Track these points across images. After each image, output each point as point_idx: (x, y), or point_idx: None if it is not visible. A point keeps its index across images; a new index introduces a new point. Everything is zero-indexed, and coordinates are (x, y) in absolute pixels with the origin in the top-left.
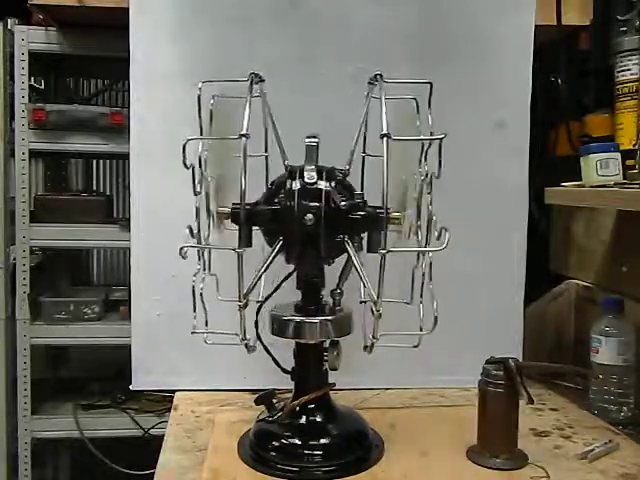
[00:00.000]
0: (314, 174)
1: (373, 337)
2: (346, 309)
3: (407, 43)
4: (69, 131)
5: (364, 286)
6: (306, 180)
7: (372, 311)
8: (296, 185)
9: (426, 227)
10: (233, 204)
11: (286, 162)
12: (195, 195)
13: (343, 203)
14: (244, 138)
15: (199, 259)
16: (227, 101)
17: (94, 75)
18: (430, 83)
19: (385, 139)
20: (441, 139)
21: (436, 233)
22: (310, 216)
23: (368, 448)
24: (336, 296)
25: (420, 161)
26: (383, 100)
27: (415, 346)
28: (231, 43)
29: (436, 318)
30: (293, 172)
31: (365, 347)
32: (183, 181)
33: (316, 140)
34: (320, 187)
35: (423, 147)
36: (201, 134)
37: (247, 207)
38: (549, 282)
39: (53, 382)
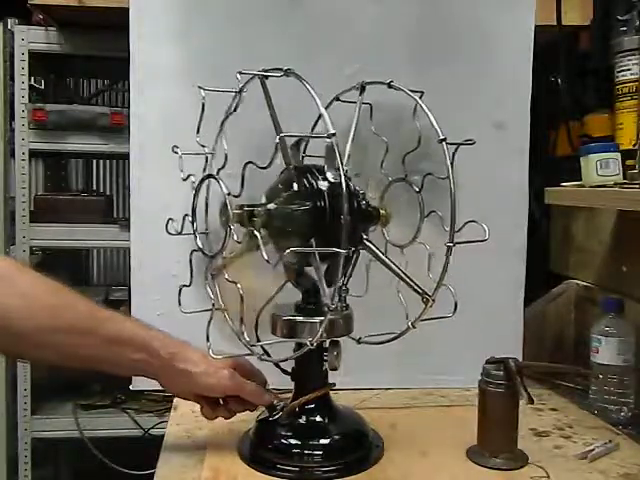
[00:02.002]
0: (335, 174)
1: (413, 326)
2: (348, 308)
3: (407, 43)
4: (69, 131)
5: (402, 279)
6: (331, 180)
7: (423, 301)
8: (323, 185)
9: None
10: (241, 206)
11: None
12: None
13: (363, 202)
14: (334, 138)
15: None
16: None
17: (94, 75)
18: (422, 92)
19: (444, 143)
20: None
21: (447, 228)
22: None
23: (368, 448)
24: (342, 293)
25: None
26: (426, 109)
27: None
28: (231, 43)
29: (456, 303)
30: (312, 172)
31: (358, 340)
32: (183, 181)
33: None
34: (347, 187)
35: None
36: (197, 131)
37: (267, 209)
38: (549, 282)
39: (53, 382)
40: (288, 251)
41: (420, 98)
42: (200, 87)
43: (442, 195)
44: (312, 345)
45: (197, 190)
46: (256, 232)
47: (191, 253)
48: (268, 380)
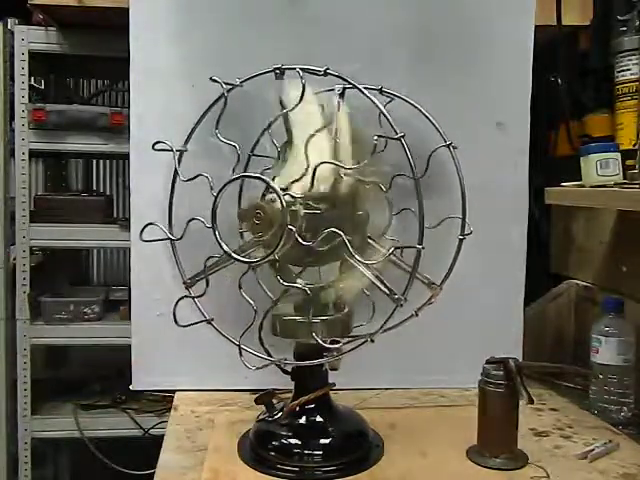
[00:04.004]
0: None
1: (416, 314)
2: (348, 308)
3: (407, 44)
4: (69, 131)
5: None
6: None
7: (431, 289)
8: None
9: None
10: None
11: None
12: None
13: None
14: (402, 139)
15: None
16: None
17: (94, 75)
18: (393, 96)
19: (451, 148)
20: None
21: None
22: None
23: (368, 448)
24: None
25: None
26: (427, 114)
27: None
28: (231, 43)
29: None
30: None
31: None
32: (184, 181)
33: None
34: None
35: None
36: (216, 126)
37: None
38: (549, 282)
39: (53, 382)
40: (392, 249)
41: (390, 101)
42: (213, 79)
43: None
44: (372, 341)
45: (219, 191)
46: (339, 232)
47: (207, 259)
48: (268, 380)
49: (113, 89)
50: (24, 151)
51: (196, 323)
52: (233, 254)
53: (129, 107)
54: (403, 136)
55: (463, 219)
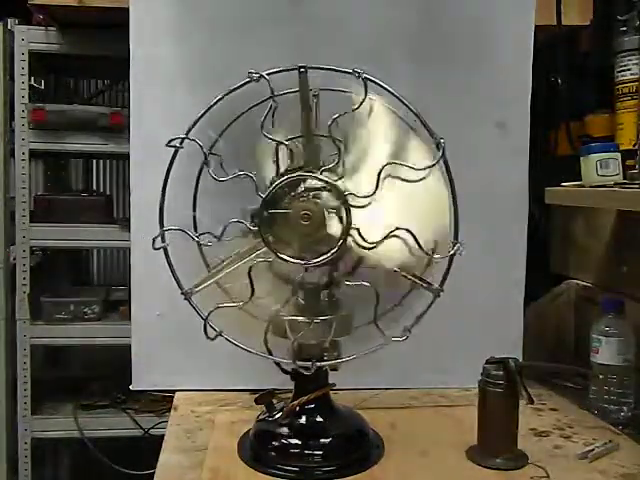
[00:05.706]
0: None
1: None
2: (347, 308)
3: (407, 43)
4: (69, 131)
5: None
6: None
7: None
8: None
9: None
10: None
11: None
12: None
13: None
14: (442, 142)
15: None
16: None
17: (94, 75)
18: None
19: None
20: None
21: None
22: None
23: (368, 448)
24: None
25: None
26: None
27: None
28: (231, 43)
29: None
30: None
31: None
32: (183, 181)
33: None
34: None
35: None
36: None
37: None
38: (549, 282)
39: (53, 382)
40: (458, 246)
41: (364, 99)
42: (251, 73)
43: None
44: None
45: (269, 193)
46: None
47: (250, 270)
48: (268, 380)
49: (113, 89)
50: (24, 151)
51: (215, 337)
52: (284, 256)
53: (129, 107)
54: (442, 138)
55: (456, 225)
